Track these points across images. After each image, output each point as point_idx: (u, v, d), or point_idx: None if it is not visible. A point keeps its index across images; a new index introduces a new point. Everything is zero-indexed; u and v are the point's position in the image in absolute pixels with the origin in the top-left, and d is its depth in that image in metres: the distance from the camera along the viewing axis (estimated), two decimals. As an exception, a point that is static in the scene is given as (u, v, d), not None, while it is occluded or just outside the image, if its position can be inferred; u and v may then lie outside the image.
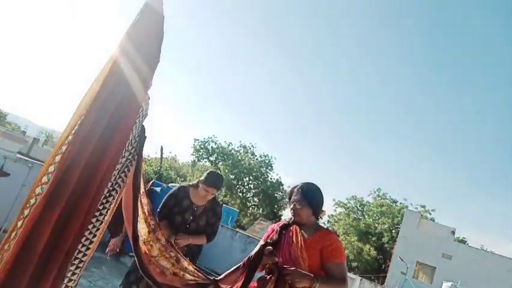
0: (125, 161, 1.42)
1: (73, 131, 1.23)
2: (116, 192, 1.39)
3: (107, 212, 1.38)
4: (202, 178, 3.03)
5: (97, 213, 1.35)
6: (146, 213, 1.75)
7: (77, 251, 1.33)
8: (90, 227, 1.34)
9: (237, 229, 11.81)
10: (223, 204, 21.32)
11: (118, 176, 1.40)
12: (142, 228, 1.76)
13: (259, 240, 2.99)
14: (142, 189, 1.65)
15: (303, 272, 1.80)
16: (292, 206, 2.06)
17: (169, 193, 3.07)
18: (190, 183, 3.17)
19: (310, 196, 2.04)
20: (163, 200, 3.05)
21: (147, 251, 1.82)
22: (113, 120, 1.24)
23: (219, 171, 3.47)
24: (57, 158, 1.22)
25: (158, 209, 2.96)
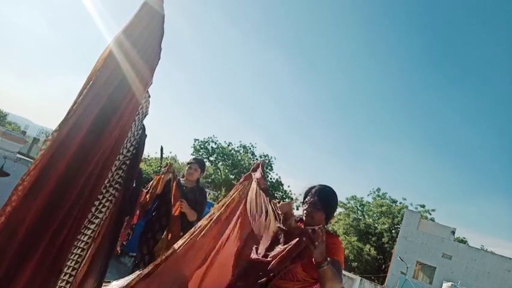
0: (123, 158, 1.39)
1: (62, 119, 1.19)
2: (116, 191, 1.37)
3: (106, 210, 1.36)
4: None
5: (93, 209, 1.31)
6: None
7: (74, 246, 1.31)
8: (85, 222, 1.31)
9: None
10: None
11: (115, 173, 1.36)
12: None
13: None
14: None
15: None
16: (306, 207, 2.01)
17: None
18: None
19: (326, 201, 1.99)
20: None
21: None
22: (106, 110, 1.20)
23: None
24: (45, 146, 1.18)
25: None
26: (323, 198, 1.99)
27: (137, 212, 5.82)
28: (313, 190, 2.03)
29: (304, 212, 2.02)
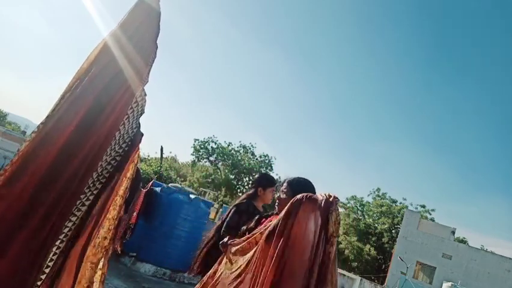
0: (114, 154, 1.38)
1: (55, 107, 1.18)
2: (102, 185, 1.35)
3: (90, 203, 1.35)
4: (263, 184, 2.92)
5: (78, 203, 1.29)
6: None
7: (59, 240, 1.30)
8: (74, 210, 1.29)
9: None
10: (223, 204, 21.26)
11: (104, 169, 1.34)
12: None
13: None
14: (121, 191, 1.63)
15: None
16: (276, 196, 2.06)
17: (237, 210, 2.77)
18: (247, 196, 2.94)
19: (295, 187, 1.96)
20: (230, 217, 2.73)
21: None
22: (97, 104, 1.17)
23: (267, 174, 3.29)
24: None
25: (225, 227, 2.66)
26: (293, 186, 1.98)
27: (136, 212, 5.81)
28: (286, 180, 2.06)
29: (276, 201, 2.03)
